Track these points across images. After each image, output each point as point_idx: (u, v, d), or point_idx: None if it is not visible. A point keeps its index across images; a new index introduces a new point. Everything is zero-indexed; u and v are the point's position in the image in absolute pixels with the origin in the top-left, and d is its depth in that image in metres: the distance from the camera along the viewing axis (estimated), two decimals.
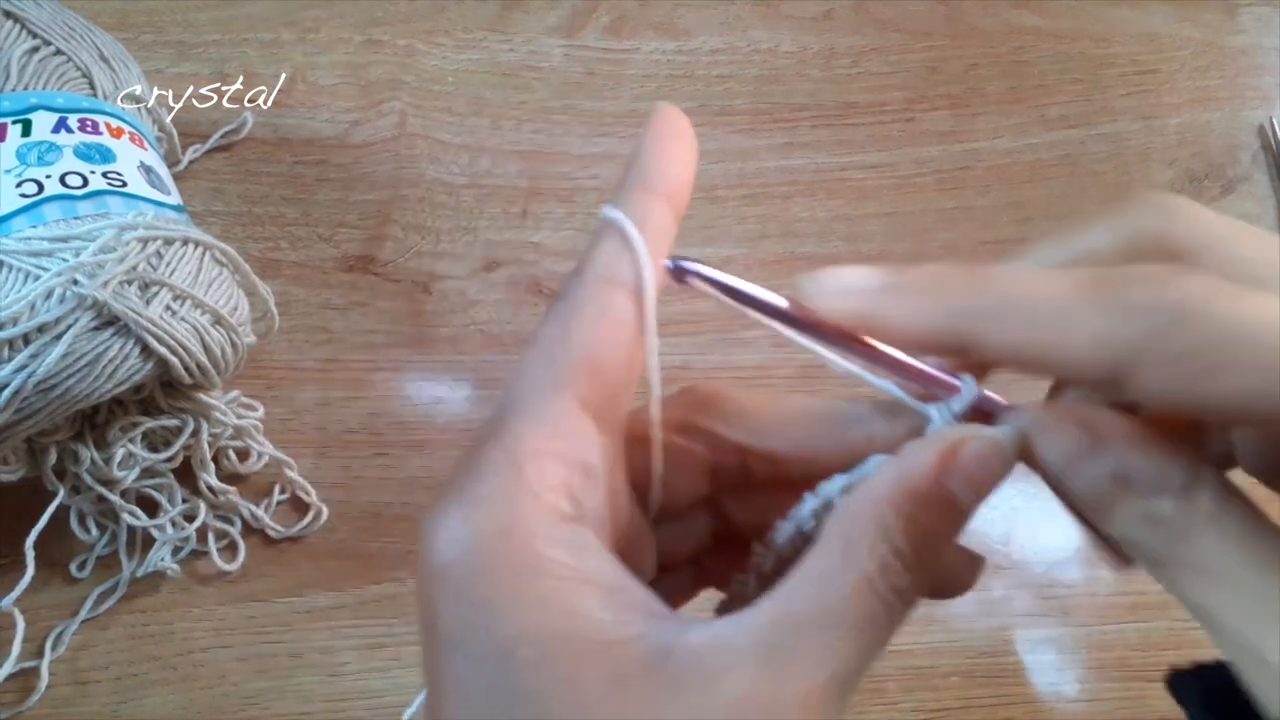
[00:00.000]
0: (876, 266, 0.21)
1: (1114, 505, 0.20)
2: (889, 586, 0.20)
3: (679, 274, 0.23)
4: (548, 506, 0.20)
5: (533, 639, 0.19)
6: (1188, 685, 0.22)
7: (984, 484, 0.21)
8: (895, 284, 0.21)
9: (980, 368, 0.23)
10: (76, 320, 0.39)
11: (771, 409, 0.25)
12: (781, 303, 0.22)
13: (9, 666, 0.44)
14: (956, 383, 0.22)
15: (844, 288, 0.21)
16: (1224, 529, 0.19)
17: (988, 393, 0.22)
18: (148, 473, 0.45)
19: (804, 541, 0.23)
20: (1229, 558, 0.19)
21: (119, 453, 0.43)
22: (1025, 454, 0.22)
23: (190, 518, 0.46)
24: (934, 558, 0.21)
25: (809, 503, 0.23)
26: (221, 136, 0.55)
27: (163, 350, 0.41)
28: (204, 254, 0.44)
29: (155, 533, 0.45)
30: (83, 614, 0.45)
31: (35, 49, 0.47)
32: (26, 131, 0.44)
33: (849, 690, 0.19)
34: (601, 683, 0.18)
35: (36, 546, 0.43)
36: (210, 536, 0.47)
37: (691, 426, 0.25)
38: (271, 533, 0.48)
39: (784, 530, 0.23)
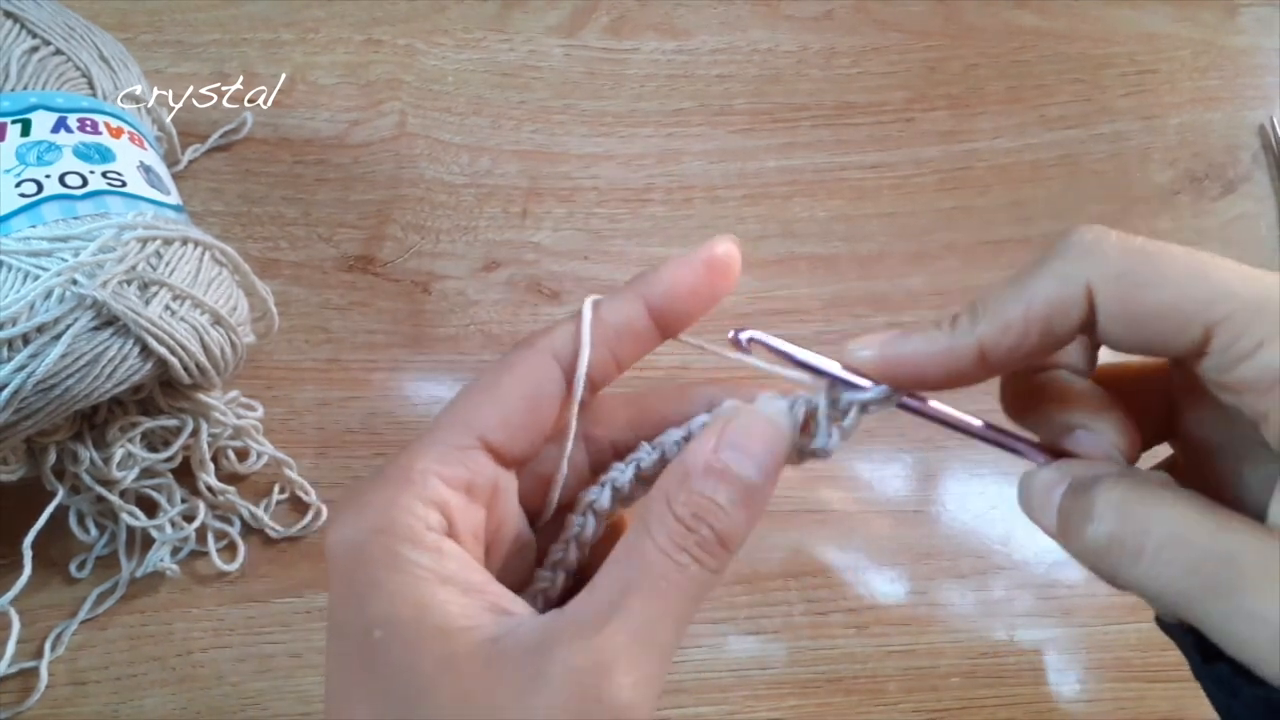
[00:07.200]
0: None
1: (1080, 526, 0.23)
2: (677, 547, 0.24)
3: (741, 344, 0.26)
4: (418, 518, 0.24)
5: (384, 623, 0.23)
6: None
7: (757, 450, 0.25)
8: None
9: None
10: (76, 320, 0.39)
11: (636, 404, 0.30)
12: (833, 364, 0.26)
13: (7, 667, 0.44)
14: (863, 382, 0.26)
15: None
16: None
17: (856, 381, 0.26)
18: (147, 473, 0.45)
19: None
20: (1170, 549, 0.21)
21: (118, 453, 0.43)
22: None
23: (189, 518, 0.46)
24: (720, 518, 0.24)
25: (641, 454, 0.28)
26: (221, 136, 0.55)
27: (162, 350, 0.41)
28: (203, 254, 0.44)
29: (154, 533, 0.45)
30: (82, 614, 0.45)
31: (35, 49, 0.47)
32: (26, 131, 0.44)
33: (661, 641, 0.23)
34: (436, 661, 0.23)
35: (35, 546, 0.43)
36: (210, 537, 0.47)
37: (581, 436, 0.29)
38: (271, 533, 0.48)
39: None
